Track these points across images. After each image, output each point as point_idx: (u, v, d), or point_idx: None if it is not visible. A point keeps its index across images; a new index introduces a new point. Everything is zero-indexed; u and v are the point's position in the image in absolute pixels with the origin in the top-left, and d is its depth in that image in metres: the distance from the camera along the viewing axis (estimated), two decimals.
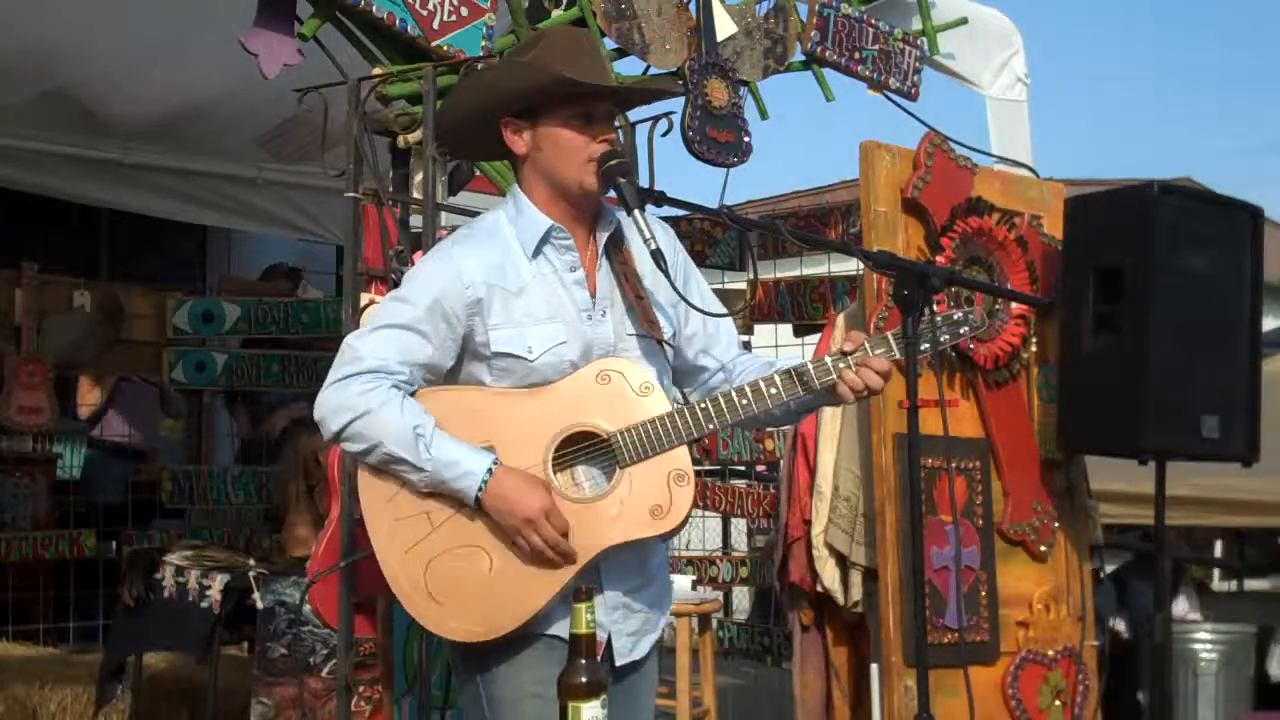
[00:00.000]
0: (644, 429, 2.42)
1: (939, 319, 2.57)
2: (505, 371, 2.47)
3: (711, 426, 2.47)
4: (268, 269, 7.39)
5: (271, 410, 6.94)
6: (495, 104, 2.53)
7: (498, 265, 2.49)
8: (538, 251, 2.51)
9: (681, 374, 2.70)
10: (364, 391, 2.40)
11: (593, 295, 2.53)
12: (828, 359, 2.50)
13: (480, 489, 2.38)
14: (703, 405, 2.46)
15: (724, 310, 2.69)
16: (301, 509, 4.82)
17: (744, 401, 2.47)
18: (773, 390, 2.48)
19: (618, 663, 2.50)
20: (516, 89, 2.50)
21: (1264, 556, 7.52)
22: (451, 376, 2.53)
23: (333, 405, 2.42)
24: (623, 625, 2.52)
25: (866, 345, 2.50)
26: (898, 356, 2.51)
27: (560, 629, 2.43)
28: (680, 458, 2.45)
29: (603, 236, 2.56)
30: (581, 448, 2.46)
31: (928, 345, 2.55)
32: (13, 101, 5.46)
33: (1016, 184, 4.35)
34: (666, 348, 2.59)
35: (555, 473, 2.45)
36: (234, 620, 4.48)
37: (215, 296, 6.88)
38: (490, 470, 2.38)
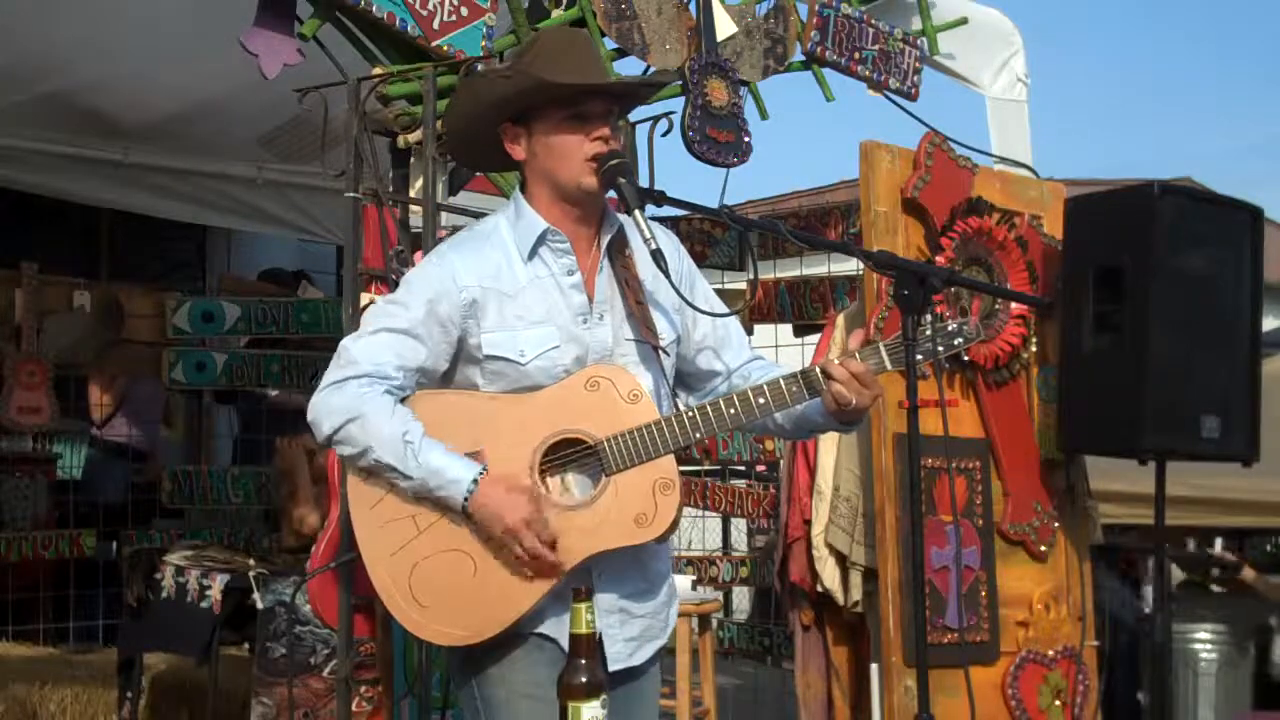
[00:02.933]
0: (631, 437, 2.41)
1: (934, 329, 2.55)
2: (497, 375, 2.47)
3: (699, 435, 2.44)
4: (264, 273, 7.38)
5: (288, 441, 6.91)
6: (489, 112, 2.53)
7: (493, 268, 2.48)
8: (533, 254, 2.50)
9: (692, 379, 2.69)
10: (357, 395, 2.41)
11: (591, 299, 2.51)
12: (817, 367, 2.47)
13: (466, 498, 2.38)
14: (689, 413, 2.45)
15: (727, 311, 2.67)
16: (304, 497, 4.80)
17: (731, 411, 2.45)
18: (761, 400, 2.46)
19: (612, 668, 2.47)
20: (502, 96, 2.50)
21: (1264, 556, 7.50)
22: (446, 379, 2.53)
23: (326, 408, 2.43)
24: (619, 631, 2.50)
25: (857, 354, 2.47)
26: (888, 368, 2.48)
27: (550, 627, 2.43)
28: (666, 466, 2.43)
29: (605, 239, 2.55)
30: (570, 453, 2.45)
31: (922, 356, 2.53)
32: (14, 102, 5.45)
33: (1016, 184, 4.35)
34: (664, 355, 2.57)
35: (544, 478, 2.44)
36: (234, 620, 4.48)
37: (215, 297, 6.87)
38: (476, 480, 2.38)
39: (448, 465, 2.39)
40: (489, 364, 2.47)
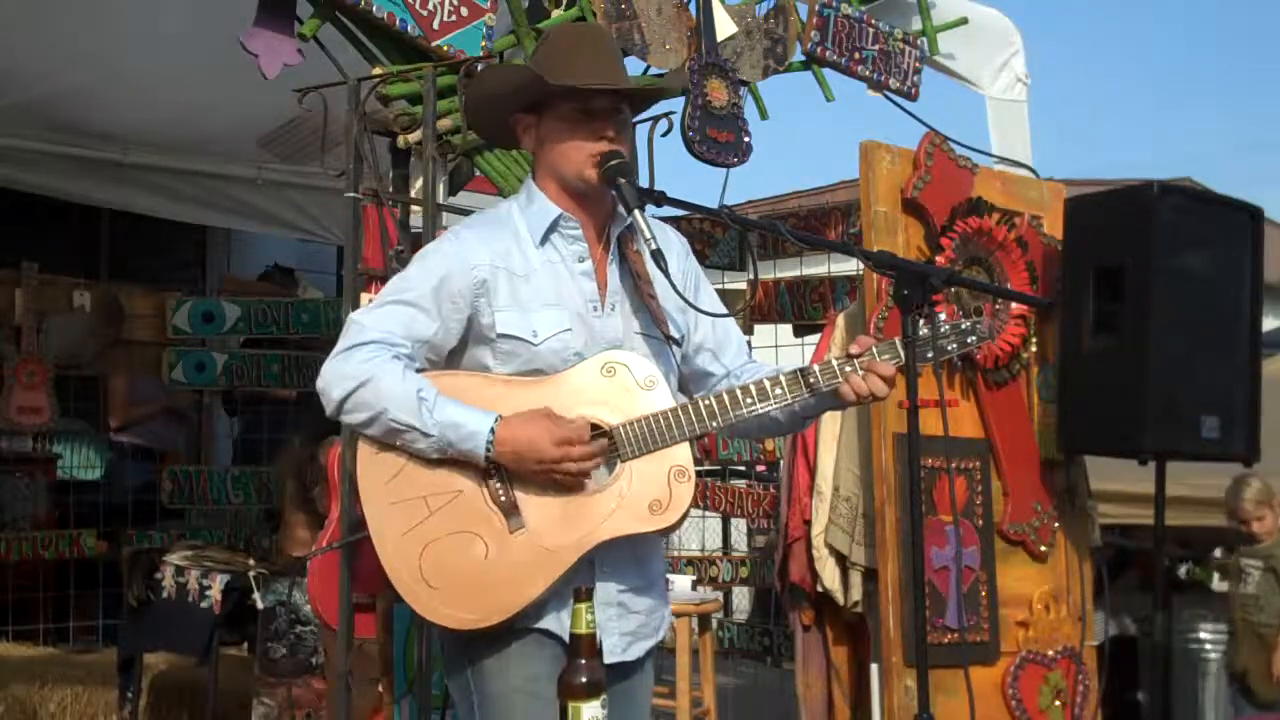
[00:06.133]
0: (646, 423, 2.42)
1: (946, 327, 2.57)
2: (509, 355, 2.47)
3: (715, 424, 2.46)
4: (263, 273, 7.39)
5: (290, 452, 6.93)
6: (500, 102, 2.55)
7: (505, 250, 2.49)
8: (545, 239, 2.51)
9: (688, 379, 2.69)
10: (366, 360, 2.40)
11: (602, 289, 2.53)
12: (834, 362, 2.49)
13: (489, 448, 2.37)
14: (706, 402, 2.46)
15: (727, 312, 2.68)
16: (297, 509, 4.81)
17: (748, 400, 2.47)
18: (778, 390, 2.48)
19: (606, 661, 2.46)
20: (509, 89, 2.52)
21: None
22: (454, 360, 2.52)
23: (335, 375, 2.42)
24: (616, 624, 2.50)
25: (874, 350, 2.50)
26: (904, 362, 2.51)
27: (551, 623, 2.43)
28: (682, 454, 2.44)
29: (615, 232, 2.56)
30: None
31: (933, 354, 2.54)
32: (14, 102, 5.45)
33: (1016, 184, 4.35)
34: (674, 348, 2.58)
35: None
36: (234, 620, 4.48)
37: (215, 297, 6.88)
38: (494, 429, 2.36)
39: (466, 417, 2.38)
40: (501, 343, 2.47)
